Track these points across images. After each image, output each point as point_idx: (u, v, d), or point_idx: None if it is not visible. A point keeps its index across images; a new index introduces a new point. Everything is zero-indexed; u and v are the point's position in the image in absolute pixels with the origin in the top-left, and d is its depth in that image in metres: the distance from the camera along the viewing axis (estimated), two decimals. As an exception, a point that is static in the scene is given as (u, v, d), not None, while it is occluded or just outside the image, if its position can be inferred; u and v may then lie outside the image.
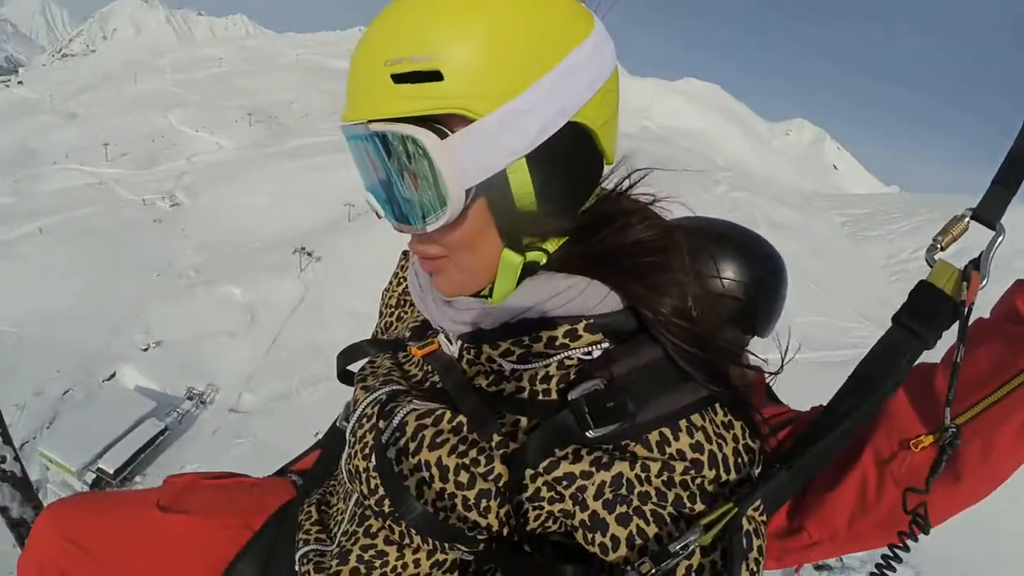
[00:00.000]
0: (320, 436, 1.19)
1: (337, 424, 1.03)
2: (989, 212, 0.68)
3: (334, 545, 0.84)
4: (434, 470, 0.68)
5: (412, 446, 0.70)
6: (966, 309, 0.67)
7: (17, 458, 1.97)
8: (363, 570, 0.78)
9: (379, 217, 0.67)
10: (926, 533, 0.67)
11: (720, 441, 0.63)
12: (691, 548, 0.58)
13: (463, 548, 0.71)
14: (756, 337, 0.98)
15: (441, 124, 0.58)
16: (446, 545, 0.71)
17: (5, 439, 1.97)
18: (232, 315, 26.21)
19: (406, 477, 0.71)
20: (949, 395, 0.66)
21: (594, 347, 0.65)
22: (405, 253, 0.99)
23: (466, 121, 0.58)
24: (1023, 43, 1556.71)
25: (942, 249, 0.72)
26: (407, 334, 0.86)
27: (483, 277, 0.70)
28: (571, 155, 0.64)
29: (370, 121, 0.60)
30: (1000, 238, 0.67)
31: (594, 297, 0.66)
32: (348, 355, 0.92)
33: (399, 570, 0.77)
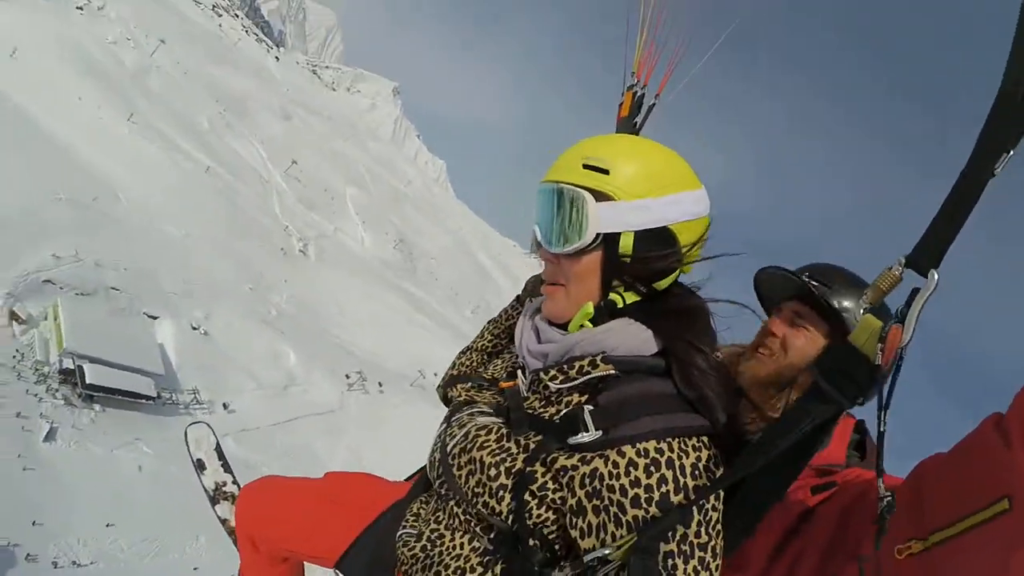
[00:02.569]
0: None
1: None
2: (924, 258, 0.60)
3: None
4: (477, 464, 0.97)
5: (469, 446, 1.00)
6: (887, 375, 0.61)
7: (235, 482, 2.36)
8: (429, 547, 1.06)
9: (536, 240, 1.00)
10: None
11: (683, 455, 0.83)
12: (607, 560, 0.77)
13: (484, 535, 0.98)
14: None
15: (598, 195, 0.94)
16: (477, 528, 0.99)
17: (226, 468, 2.41)
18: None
19: (461, 468, 0.99)
20: (879, 465, 0.66)
21: (609, 376, 0.93)
22: (518, 298, 1.42)
23: (612, 199, 0.94)
24: None
25: (871, 306, 0.64)
26: (504, 375, 1.17)
27: (574, 311, 1.00)
28: (658, 244, 0.96)
29: (559, 182, 0.96)
30: (931, 289, 0.57)
31: (629, 340, 0.95)
32: (452, 382, 1.27)
33: (451, 551, 1.03)
